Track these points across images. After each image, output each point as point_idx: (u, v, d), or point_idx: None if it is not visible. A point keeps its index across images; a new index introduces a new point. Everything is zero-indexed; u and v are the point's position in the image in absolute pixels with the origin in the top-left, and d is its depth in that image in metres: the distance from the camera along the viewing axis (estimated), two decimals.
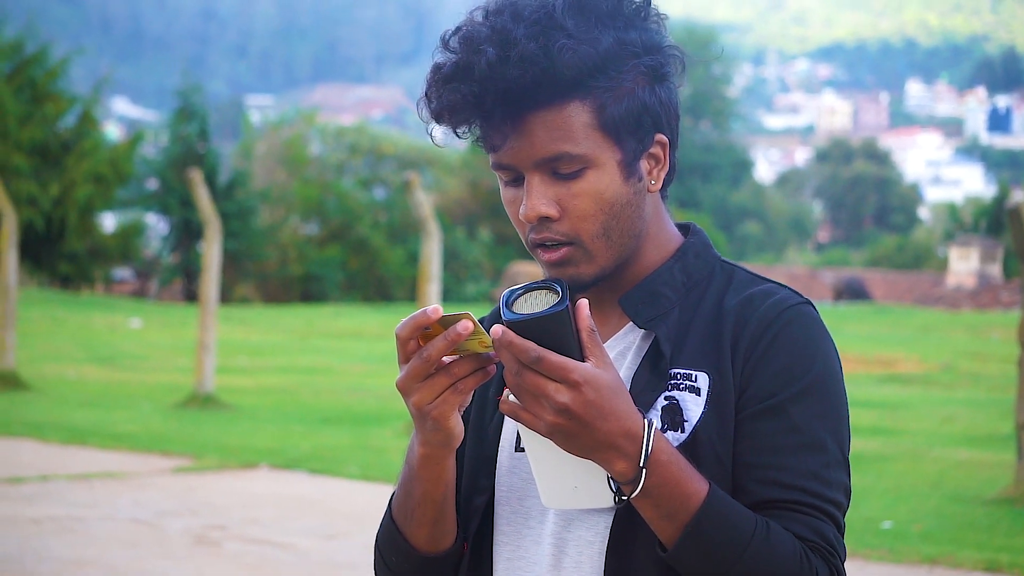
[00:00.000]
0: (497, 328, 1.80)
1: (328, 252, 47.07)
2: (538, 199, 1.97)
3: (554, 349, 1.80)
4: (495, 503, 2.10)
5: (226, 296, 38.57)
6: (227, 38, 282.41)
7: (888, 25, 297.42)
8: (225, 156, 54.22)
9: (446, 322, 1.84)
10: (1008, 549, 9.27)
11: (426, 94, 2.00)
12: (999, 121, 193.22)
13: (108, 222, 47.27)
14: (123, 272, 49.51)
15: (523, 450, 2.07)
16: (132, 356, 23.36)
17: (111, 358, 22.79)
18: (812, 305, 2.04)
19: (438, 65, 1.98)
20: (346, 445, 13.83)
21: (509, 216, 2.04)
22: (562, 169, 1.97)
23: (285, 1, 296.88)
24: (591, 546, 1.99)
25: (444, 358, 1.87)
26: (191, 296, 42.54)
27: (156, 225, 48.56)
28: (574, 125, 1.96)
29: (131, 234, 45.07)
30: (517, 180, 2.01)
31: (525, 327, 1.80)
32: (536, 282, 1.86)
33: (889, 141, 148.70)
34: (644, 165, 2.03)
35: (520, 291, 1.85)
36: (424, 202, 15.16)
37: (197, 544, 9.18)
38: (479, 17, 1.99)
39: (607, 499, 1.91)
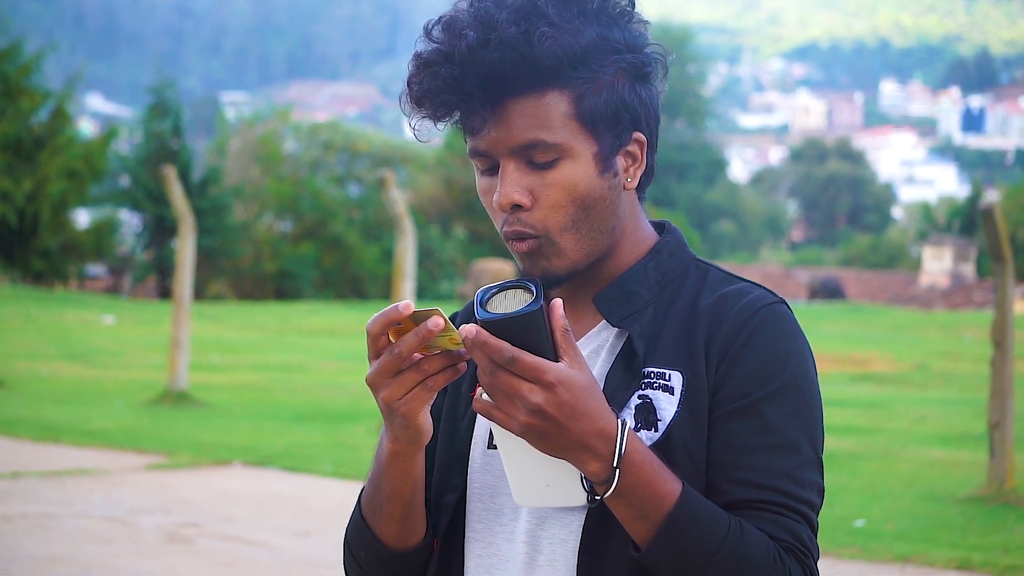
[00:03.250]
0: (471, 327, 1.79)
1: (302, 249, 46.99)
2: (511, 187, 1.97)
3: (528, 349, 1.79)
4: (467, 500, 2.09)
5: (200, 293, 38.45)
6: (202, 34, 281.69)
7: (862, 25, 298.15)
8: (199, 153, 54.13)
9: (417, 318, 1.84)
10: (981, 548, 9.30)
11: (408, 82, 2.00)
12: (972, 121, 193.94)
13: (82, 218, 47.12)
14: (96, 269, 49.33)
15: (496, 447, 2.07)
16: (105, 353, 23.28)
17: (84, 355, 22.72)
18: (787, 304, 2.04)
19: (419, 52, 1.99)
20: (320, 442, 13.81)
21: (484, 206, 2.04)
22: (537, 158, 1.97)
23: None
24: (565, 544, 1.99)
25: (414, 355, 1.87)
26: (165, 293, 42.42)
27: (130, 221, 48.41)
28: (552, 114, 1.96)
29: (105, 231, 44.91)
30: (493, 169, 2.01)
31: (499, 326, 1.79)
32: (510, 281, 1.86)
33: (863, 141, 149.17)
34: (620, 161, 2.02)
35: (494, 290, 1.85)
36: (398, 199, 15.14)
37: (170, 542, 9.16)
38: (463, 5, 1.99)
39: (580, 498, 1.91)
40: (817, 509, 1.97)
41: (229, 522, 9.85)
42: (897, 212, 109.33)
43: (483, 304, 1.83)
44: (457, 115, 2.00)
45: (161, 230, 44.29)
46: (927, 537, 9.68)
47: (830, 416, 15.76)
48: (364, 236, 47.69)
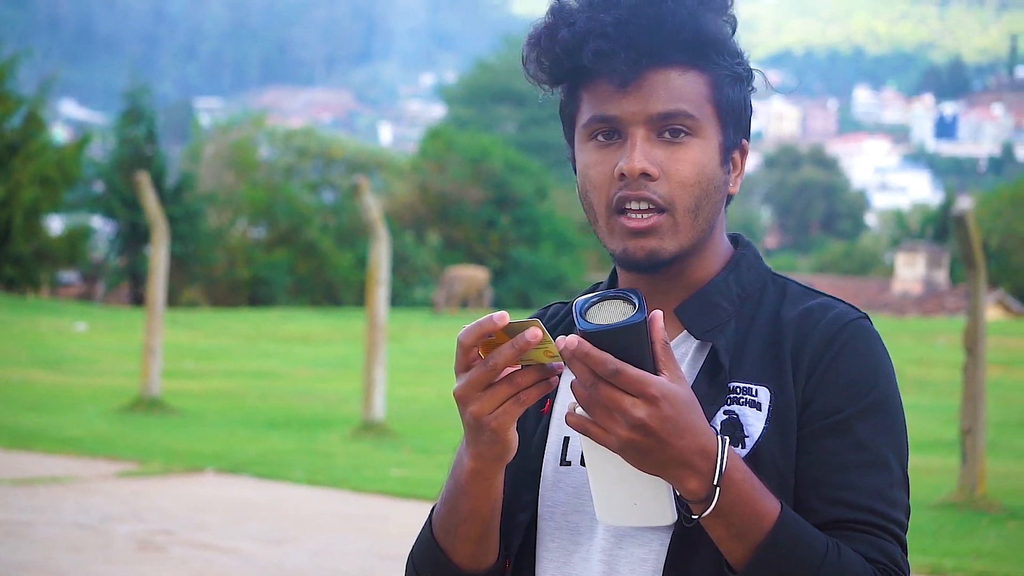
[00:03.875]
0: (572, 338, 1.74)
1: (276, 256, 46.88)
2: (643, 154, 1.94)
3: (629, 361, 1.74)
4: (538, 518, 2.04)
5: (173, 299, 38.33)
6: (176, 40, 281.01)
7: (836, 32, 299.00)
8: (173, 159, 53.97)
9: (512, 330, 1.78)
10: (953, 553, 9.33)
11: (552, 25, 1.97)
12: (945, 128, 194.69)
13: (55, 225, 46.91)
14: (69, 275, 49.13)
15: (568, 464, 2.03)
16: (78, 360, 23.20)
17: (57, 362, 22.63)
18: (870, 320, 2.02)
19: None
20: (293, 449, 13.78)
21: (587, 180, 2.00)
22: (672, 130, 1.95)
23: (235, 3, 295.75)
24: (644, 564, 1.95)
25: (508, 368, 1.81)
26: (138, 299, 42.28)
27: (103, 228, 48.23)
28: (693, 90, 1.97)
29: (78, 237, 44.73)
30: (611, 136, 1.98)
31: (602, 338, 1.74)
32: (609, 291, 1.80)
33: (837, 147, 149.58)
34: (729, 163, 2.03)
35: (594, 299, 1.79)
36: (372, 206, 15.13)
37: (142, 549, 9.13)
38: None
39: (667, 517, 1.86)
40: (906, 529, 1.94)
41: (201, 529, 9.83)
42: (870, 219, 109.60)
43: (583, 314, 1.78)
44: (606, 71, 1.95)
45: (134, 236, 44.12)
46: None
47: None
48: (338, 242, 47.61)
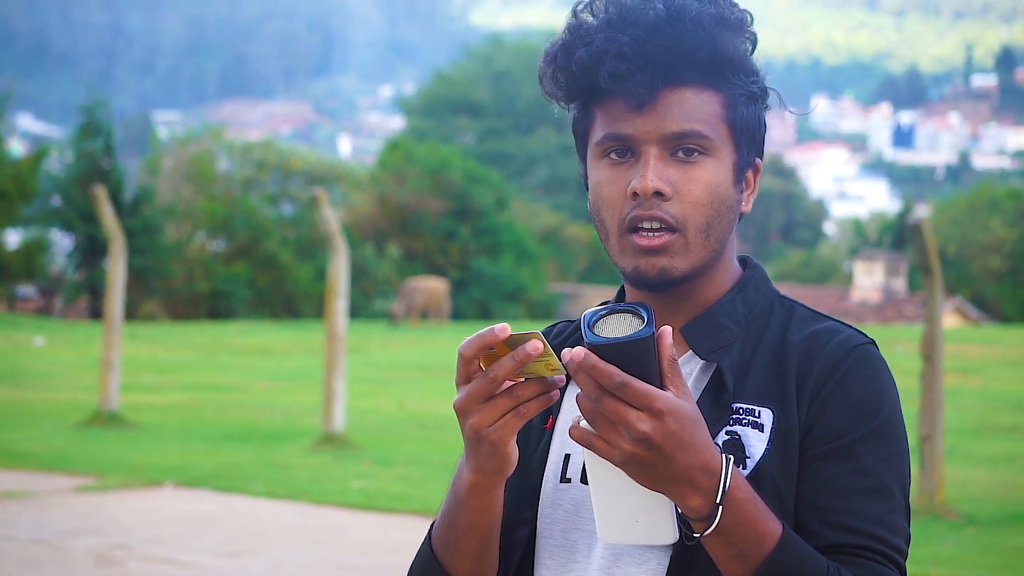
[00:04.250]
0: (579, 351, 1.72)
1: (235, 268, 46.74)
2: (656, 173, 1.94)
3: (635, 376, 1.72)
4: (537, 535, 2.03)
5: (132, 313, 38.17)
6: (134, 53, 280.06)
7: (794, 42, 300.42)
8: (131, 172, 53.71)
9: (513, 342, 1.77)
10: (911, 560, 9.26)
11: (570, 43, 1.97)
12: (903, 137, 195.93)
13: (12, 239, 46.66)
14: (27, 289, 48.85)
15: (568, 480, 2.02)
16: (35, 374, 23.06)
17: (13, 376, 22.49)
18: (876, 345, 2.01)
19: (593, 15, 1.97)
20: (252, 462, 13.73)
21: (600, 198, 1.99)
22: (686, 150, 1.95)
23: (192, 16, 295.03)
24: None
25: (508, 380, 1.80)
26: (96, 313, 42.07)
27: (61, 242, 47.99)
28: (708, 110, 1.97)
29: (35, 251, 44.49)
30: (624, 155, 1.98)
31: (609, 351, 1.72)
32: (620, 304, 1.78)
33: (795, 157, 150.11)
34: (743, 181, 2.03)
35: (603, 312, 1.77)
36: (331, 218, 15.10)
37: (100, 564, 9.08)
38: None
39: (669, 536, 1.84)
40: (906, 556, 1.94)
41: (160, 543, 9.78)
42: (829, 228, 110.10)
43: (591, 327, 1.76)
44: (622, 91, 1.95)
45: (92, 250, 43.92)
46: None
47: None
48: (298, 255, 47.51)
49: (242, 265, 46.92)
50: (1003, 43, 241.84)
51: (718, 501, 1.77)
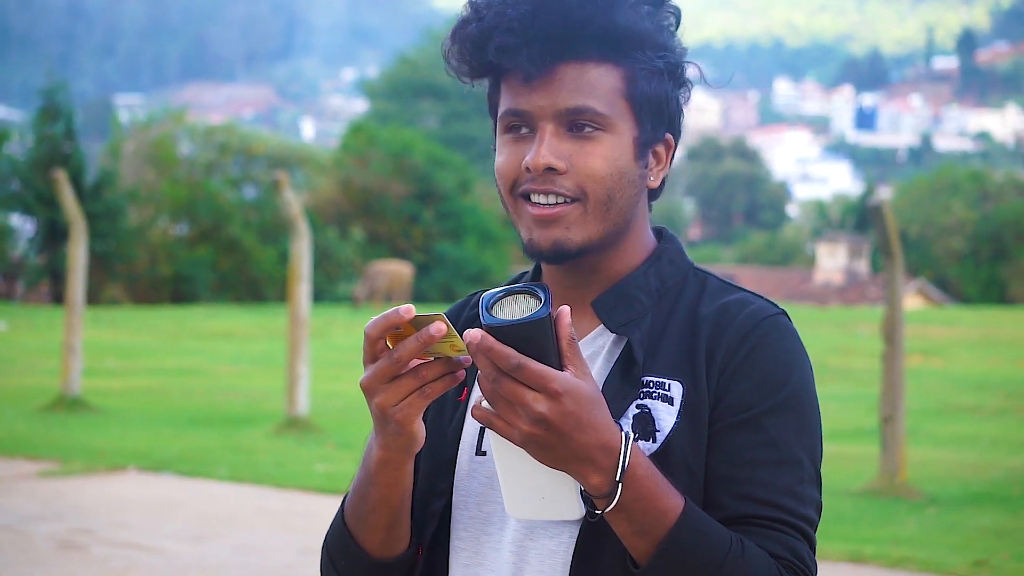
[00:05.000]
0: (476, 332, 1.74)
1: (198, 252, 46.60)
2: (550, 148, 1.94)
3: (533, 356, 1.74)
4: (452, 507, 2.04)
5: (95, 297, 38.01)
6: (94, 36, 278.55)
7: (756, 25, 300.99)
8: (93, 156, 53.43)
9: (418, 323, 1.78)
10: (873, 540, 9.42)
11: (465, 20, 1.98)
12: (865, 119, 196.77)
13: None
14: None
15: (484, 453, 2.03)
16: None
17: None
18: (787, 316, 2.01)
19: None
20: (216, 447, 13.70)
21: (499, 171, 2.00)
22: (581, 126, 1.95)
23: None
24: (554, 556, 1.95)
25: (414, 360, 1.82)
26: (58, 298, 41.85)
27: (22, 226, 47.72)
28: (605, 85, 1.95)
29: None
30: (522, 129, 1.98)
31: (505, 332, 1.74)
32: (518, 286, 1.79)
33: (758, 139, 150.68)
34: (650, 158, 2.02)
35: (500, 294, 1.79)
36: (293, 201, 15.07)
37: (63, 549, 9.05)
38: None
39: (575, 512, 1.86)
40: (815, 526, 1.94)
41: (123, 528, 9.75)
42: (792, 210, 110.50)
43: (488, 308, 1.77)
44: (513, 66, 1.95)
45: (54, 234, 43.68)
46: (820, 530, 9.61)
47: None
48: (261, 239, 47.40)
49: (205, 249, 46.78)
50: (964, 25, 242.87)
51: (618, 479, 1.78)
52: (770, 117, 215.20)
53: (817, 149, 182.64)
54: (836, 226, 73.15)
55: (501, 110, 1.99)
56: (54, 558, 8.80)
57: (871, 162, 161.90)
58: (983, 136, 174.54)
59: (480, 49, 1.96)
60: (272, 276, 46.09)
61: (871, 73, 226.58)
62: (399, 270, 40.60)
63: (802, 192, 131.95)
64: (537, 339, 1.74)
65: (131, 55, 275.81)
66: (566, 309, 1.77)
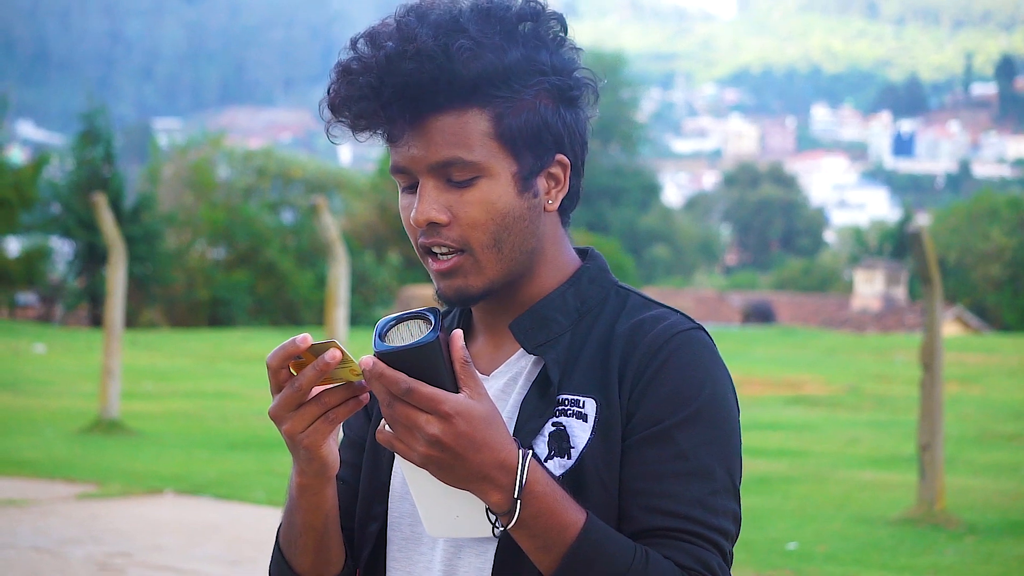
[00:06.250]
0: (368, 359, 1.79)
1: (236, 276, 46.78)
2: (429, 204, 1.97)
3: (426, 380, 1.79)
4: (388, 529, 2.08)
5: (133, 321, 38.19)
6: (134, 60, 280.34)
7: (794, 51, 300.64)
8: (132, 180, 53.76)
9: (316, 351, 1.83)
10: (910, 569, 9.37)
11: (327, 88, 2.01)
12: (903, 145, 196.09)
13: (12, 246, 46.71)
14: (27, 297, 48.90)
15: None
16: (36, 381, 23.06)
17: (14, 383, 22.50)
18: (704, 330, 2.02)
19: (340, 61, 1.99)
20: (252, 470, 13.73)
21: (404, 225, 2.03)
22: (455, 176, 1.97)
23: (192, 23, 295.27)
24: (480, 573, 1.98)
25: (317, 387, 1.86)
26: (97, 321, 42.09)
27: (61, 249, 48.02)
28: (471, 132, 1.96)
29: (36, 258, 44.56)
30: (414, 186, 2.01)
31: (395, 357, 1.79)
32: (409, 312, 1.84)
33: (795, 165, 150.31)
34: (542, 183, 2.01)
35: (393, 321, 1.84)
36: (331, 225, 15.11)
37: (100, 572, 9.08)
38: (389, 20, 1.99)
39: (487, 529, 1.91)
40: (731, 537, 1.95)
41: (160, 551, 9.78)
42: (829, 236, 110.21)
43: (382, 336, 1.82)
44: (380, 127, 1.99)
45: (93, 258, 43.96)
46: (858, 559, 9.74)
47: (762, 439, 15.87)
48: (298, 262, 47.55)
49: (242, 273, 46.96)
50: (1003, 51, 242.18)
51: (516, 496, 1.83)
52: (807, 143, 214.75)
53: (855, 175, 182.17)
54: (873, 252, 72.87)
55: (390, 166, 2.03)
56: None
57: (909, 188, 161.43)
58: (1022, 163, 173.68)
59: (343, 115, 2.00)
60: (309, 300, 46.22)
61: (909, 99, 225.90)
62: (431, 294, 40.64)
63: (839, 218, 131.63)
64: (427, 363, 1.79)
65: (170, 79, 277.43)
66: (458, 332, 1.83)
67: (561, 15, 2.03)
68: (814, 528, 10.89)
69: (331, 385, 1.87)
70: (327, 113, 2.02)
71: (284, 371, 1.86)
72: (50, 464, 13.68)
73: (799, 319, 59.17)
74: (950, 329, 45.72)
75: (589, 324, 2.03)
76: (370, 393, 1.89)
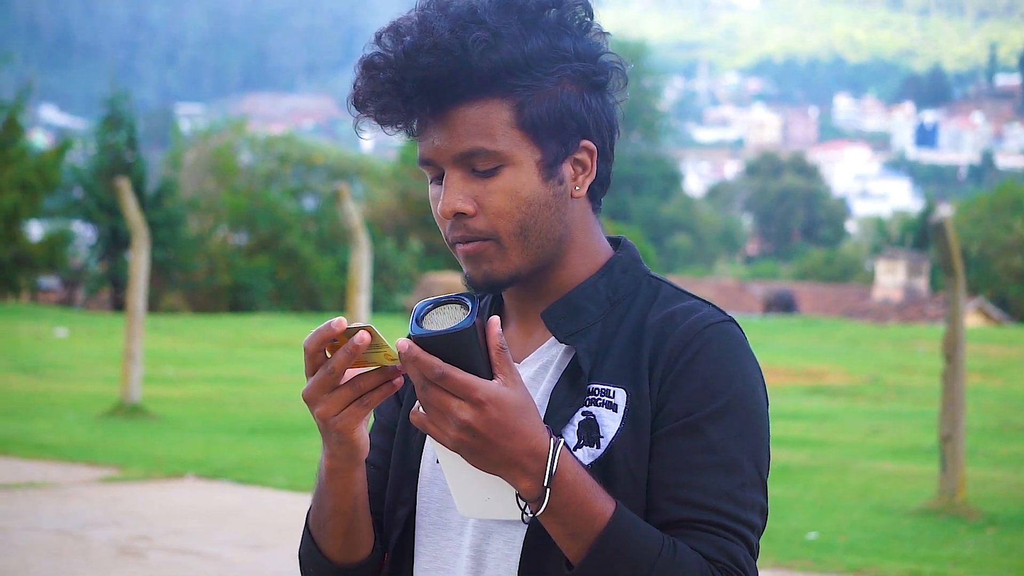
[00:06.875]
0: (403, 342, 1.80)
1: (257, 262, 46.82)
2: (454, 195, 1.98)
3: (461, 366, 1.80)
4: (416, 514, 2.10)
5: (154, 305, 38.25)
6: (157, 46, 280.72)
7: (817, 40, 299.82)
8: (154, 165, 53.83)
9: (351, 334, 1.84)
10: (931, 560, 9.36)
11: (353, 84, 2.02)
12: (926, 136, 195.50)
13: (35, 230, 46.78)
14: (50, 281, 49.01)
15: None
16: (57, 365, 23.14)
17: (36, 367, 22.58)
18: (736, 323, 2.02)
19: (363, 56, 2.01)
20: (273, 455, 13.76)
21: (435, 216, 2.04)
22: (479, 166, 1.98)
23: (215, 9, 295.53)
24: (508, 559, 1.99)
25: (353, 371, 1.88)
26: (119, 305, 42.16)
27: (83, 234, 48.12)
28: (493, 122, 1.97)
29: (58, 243, 44.60)
30: (441, 178, 2.02)
31: (431, 342, 1.80)
32: (447, 296, 1.85)
33: (817, 155, 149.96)
34: (568, 169, 2.02)
35: (430, 305, 1.84)
36: (353, 212, 15.10)
37: (121, 555, 9.11)
38: (412, 12, 2.00)
39: (518, 513, 1.92)
40: (758, 530, 1.96)
41: (181, 535, 9.81)
42: (851, 226, 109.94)
43: (419, 320, 1.83)
44: (404, 121, 2.01)
45: (115, 242, 44.05)
46: (879, 549, 9.73)
47: (783, 429, 15.84)
48: (319, 249, 47.57)
49: (264, 259, 47.00)
50: None
51: (545, 484, 1.84)
52: (830, 133, 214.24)
53: (877, 166, 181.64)
54: (895, 243, 72.70)
55: (418, 159, 2.04)
56: (112, 563, 8.87)
57: (931, 179, 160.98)
58: None
59: (368, 111, 2.02)
60: (330, 286, 46.26)
61: (932, 90, 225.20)
62: (453, 281, 40.63)
63: (861, 209, 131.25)
64: (463, 349, 1.80)
65: (193, 65, 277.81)
66: (495, 319, 1.83)
67: (586, 1, 2.03)
68: (834, 518, 10.89)
69: (365, 369, 1.88)
70: (353, 109, 2.03)
71: (320, 354, 1.88)
72: (72, 448, 13.73)
73: (820, 309, 59.06)
74: (972, 320, 45.58)
75: (621, 314, 2.04)
76: (404, 377, 1.90)
